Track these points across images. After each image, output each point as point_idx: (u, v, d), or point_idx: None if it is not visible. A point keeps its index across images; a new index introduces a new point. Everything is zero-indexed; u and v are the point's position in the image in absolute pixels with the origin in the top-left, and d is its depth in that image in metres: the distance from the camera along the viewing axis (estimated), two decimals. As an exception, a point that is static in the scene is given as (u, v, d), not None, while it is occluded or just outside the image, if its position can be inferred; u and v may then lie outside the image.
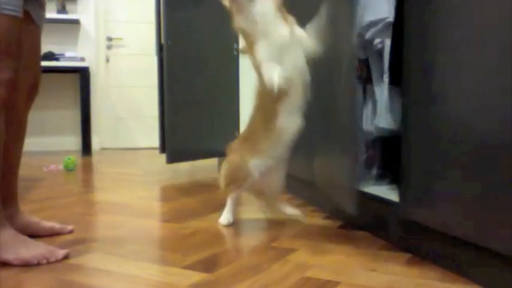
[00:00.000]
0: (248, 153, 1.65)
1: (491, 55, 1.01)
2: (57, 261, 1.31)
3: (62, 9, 4.97)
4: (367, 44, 1.76)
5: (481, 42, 1.04)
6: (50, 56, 4.71)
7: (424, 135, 1.24)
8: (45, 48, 4.77)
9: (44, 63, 4.59)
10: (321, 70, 1.58)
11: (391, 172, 1.78)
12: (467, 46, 1.08)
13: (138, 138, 5.42)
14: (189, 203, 2.19)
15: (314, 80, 1.54)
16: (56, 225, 1.63)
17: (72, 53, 4.97)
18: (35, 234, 1.52)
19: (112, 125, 5.37)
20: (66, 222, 1.70)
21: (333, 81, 1.57)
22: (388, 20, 1.55)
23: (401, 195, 1.35)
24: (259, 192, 1.79)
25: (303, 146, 1.69)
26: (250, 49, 1.52)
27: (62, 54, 4.83)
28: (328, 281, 1.15)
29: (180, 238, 1.57)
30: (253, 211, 1.98)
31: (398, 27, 1.46)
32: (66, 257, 1.34)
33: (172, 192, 2.50)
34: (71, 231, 1.65)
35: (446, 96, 1.15)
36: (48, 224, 1.61)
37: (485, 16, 1.03)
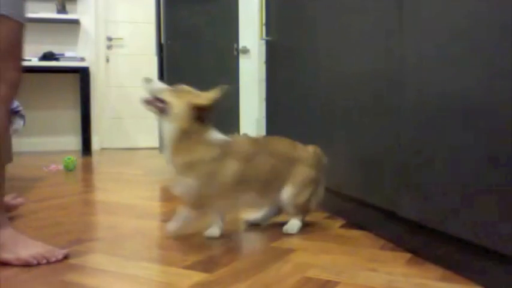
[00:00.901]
0: None
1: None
2: (57, 261, 1.31)
3: (62, 9, 4.97)
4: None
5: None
6: (50, 56, 4.71)
7: (425, 137, 1.24)
8: (45, 48, 4.79)
9: (44, 63, 4.64)
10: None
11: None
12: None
13: (138, 138, 5.42)
14: (189, 203, 2.19)
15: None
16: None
17: (72, 53, 4.97)
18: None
19: (112, 125, 5.37)
20: (66, 222, 1.70)
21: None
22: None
23: (401, 195, 1.35)
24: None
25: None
26: None
27: (62, 54, 4.83)
28: (328, 281, 1.15)
29: (180, 238, 1.57)
30: (253, 212, 1.97)
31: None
32: (66, 257, 1.34)
33: (172, 192, 2.49)
34: (21, 203, 1.82)
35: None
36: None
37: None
